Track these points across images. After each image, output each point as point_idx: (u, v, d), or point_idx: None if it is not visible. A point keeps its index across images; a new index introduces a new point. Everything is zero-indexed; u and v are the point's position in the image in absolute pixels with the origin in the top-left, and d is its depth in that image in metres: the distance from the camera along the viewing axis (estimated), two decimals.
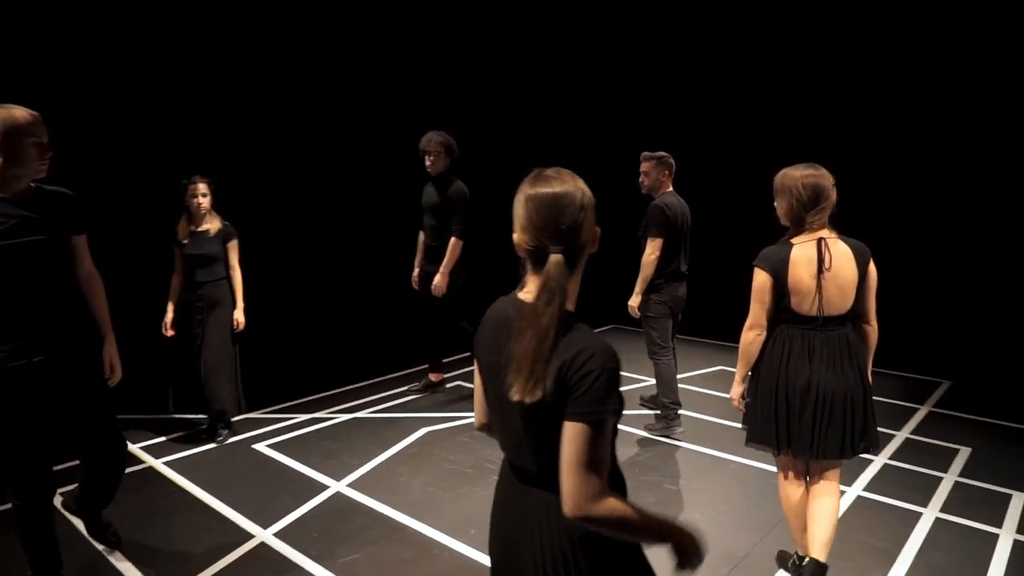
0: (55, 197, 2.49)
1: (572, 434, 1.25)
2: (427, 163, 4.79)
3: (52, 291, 2.44)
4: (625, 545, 1.38)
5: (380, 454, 4.13)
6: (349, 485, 3.72)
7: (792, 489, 2.75)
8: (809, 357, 2.56)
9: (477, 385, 1.55)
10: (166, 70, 4.97)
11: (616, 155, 7.54)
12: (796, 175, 2.57)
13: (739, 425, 2.98)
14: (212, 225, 4.16)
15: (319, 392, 5.26)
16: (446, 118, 7.06)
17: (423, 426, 4.57)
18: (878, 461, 4.00)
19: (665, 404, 4.38)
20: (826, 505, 2.66)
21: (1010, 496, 3.58)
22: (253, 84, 5.51)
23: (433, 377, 5.30)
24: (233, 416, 4.36)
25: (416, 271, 5.14)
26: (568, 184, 1.36)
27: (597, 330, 7.36)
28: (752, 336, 2.66)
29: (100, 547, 3.05)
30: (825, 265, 2.50)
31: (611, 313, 7.54)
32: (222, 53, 5.26)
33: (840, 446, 2.56)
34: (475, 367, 1.54)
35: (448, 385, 5.44)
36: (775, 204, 2.68)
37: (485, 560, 2.99)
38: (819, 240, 2.53)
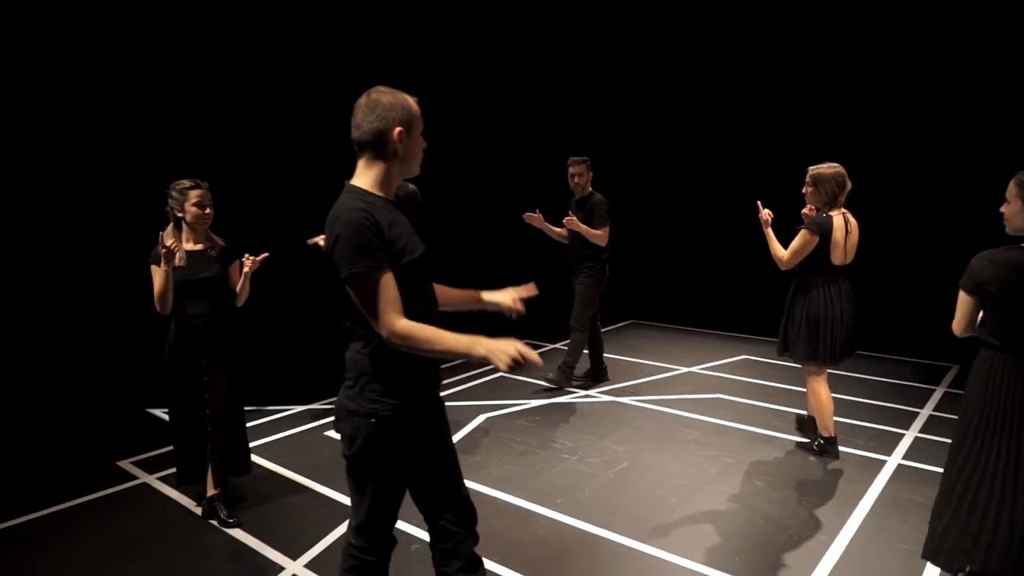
0: (407, 199, 2.09)
1: None
2: None
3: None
4: None
5: None
6: None
7: (824, 390, 3.91)
8: (840, 294, 3.74)
9: (968, 309, 2.53)
10: (164, 70, 4.98)
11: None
12: (830, 171, 3.71)
13: (775, 407, 3.33)
14: (212, 242, 3.29)
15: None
16: (446, 117, 7.21)
17: (481, 413, 4.83)
18: (909, 435, 4.36)
19: (569, 364, 5.31)
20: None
21: None
22: (253, 83, 5.50)
23: None
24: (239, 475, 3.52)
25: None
26: None
27: (614, 326, 7.69)
28: (782, 264, 3.81)
29: None
30: (849, 229, 3.72)
31: (631, 310, 7.90)
32: (221, 52, 5.27)
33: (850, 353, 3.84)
34: (970, 300, 2.51)
35: (494, 376, 5.71)
36: (807, 191, 3.79)
37: (579, 524, 3.27)
38: (843, 213, 3.73)
